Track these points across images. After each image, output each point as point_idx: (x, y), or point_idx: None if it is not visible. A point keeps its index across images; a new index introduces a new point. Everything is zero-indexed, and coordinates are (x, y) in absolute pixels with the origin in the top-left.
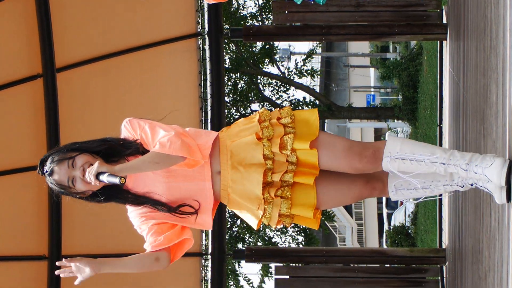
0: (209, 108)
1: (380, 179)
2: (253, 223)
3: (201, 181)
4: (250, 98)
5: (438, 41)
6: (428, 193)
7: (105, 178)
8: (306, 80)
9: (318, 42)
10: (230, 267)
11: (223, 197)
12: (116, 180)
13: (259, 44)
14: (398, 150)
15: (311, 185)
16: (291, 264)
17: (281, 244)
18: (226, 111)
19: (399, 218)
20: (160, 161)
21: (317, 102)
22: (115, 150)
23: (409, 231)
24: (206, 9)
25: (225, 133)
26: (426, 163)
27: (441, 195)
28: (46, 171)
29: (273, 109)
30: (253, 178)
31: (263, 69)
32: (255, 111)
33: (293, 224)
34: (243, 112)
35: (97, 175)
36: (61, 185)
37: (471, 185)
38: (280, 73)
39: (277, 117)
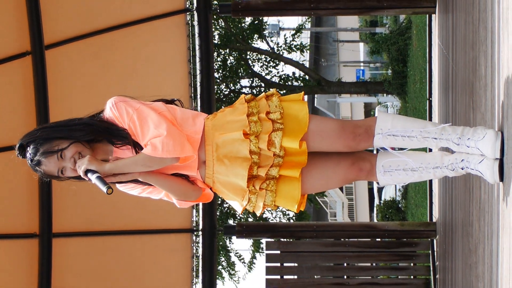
0: (198, 84)
1: (368, 160)
2: (238, 208)
3: (187, 171)
4: (240, 74)
5: (427, 15)
6: (417, 175)
7: (93, 178)
8: (295, 56)
9: (307, 17)
10: (221, 243)
11: (207, 184)
12: (103, 189)
13: (248, 20)
14: (390, 126)
15: (297, 177)
16: (282, 239)
17: (271, 220)
18: (215, 87)
19: (390, 192)
20: (153, 164)
21: (307, 77)
22: (103, 138)
23: (400, 205)
24: None
25: (210, 121)
26: (418, 138)
27: (431, 180)
28: (32, 161)
29: (262, 85)
30: (238, 172)
31: (252, 44)
32: (245, 86)
33: None
34: (233, 88)
35: (86, 171)
36: (49, 175)
37: (462, 169)
38: (269, 49)
39: (266, 111)
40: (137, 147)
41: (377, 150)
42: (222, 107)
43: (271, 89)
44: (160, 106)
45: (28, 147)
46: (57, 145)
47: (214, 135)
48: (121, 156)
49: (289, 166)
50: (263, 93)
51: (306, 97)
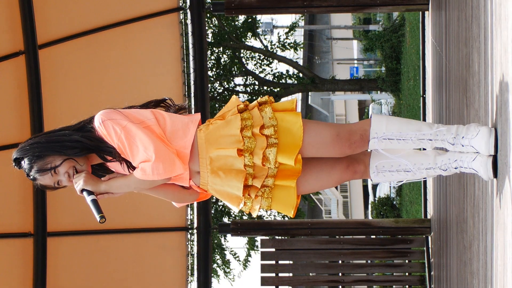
0: (192, 82)
1: (362, 161)
2: (234, 208)
3: (180, 183)
4: (234, 72)
5: (420, 12)
6: (410, 176)
7: (88, 200)
8: (289, 53)
9: (300, 15)
10: (216, 241)
11: (202, 189)
12: (96, 217)
13: (242, 18)
14: (384, 130)
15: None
16: (276, 237)
17: (266, 218)
18: (209, 85)
19: (384, 189)
20: (145, 186)
21: (301, 75)
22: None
23: (394, 202)
24: None
25: (203, 133)
26: (413, 140)
27: (424, 178)
28: (28, 175)
29: (256, 83)
30: (233, 184)
31: (246, 43)
32: (239, 85)
33: None
34: (227, 86)
35: (82, 190)
36: (46, 187)
37: (455, 168)
38: (263, 47)
39: (260, 125)
40: (127, 163)
41: None
42: (216, 105)
43: (265, 96)
44: (148, 117)
45: (23, 161)
46: (50, 162)
47: (207, 149)
48: (112, 167)
49: (284, 176)
50: (255, 100)
51: (299, 99)
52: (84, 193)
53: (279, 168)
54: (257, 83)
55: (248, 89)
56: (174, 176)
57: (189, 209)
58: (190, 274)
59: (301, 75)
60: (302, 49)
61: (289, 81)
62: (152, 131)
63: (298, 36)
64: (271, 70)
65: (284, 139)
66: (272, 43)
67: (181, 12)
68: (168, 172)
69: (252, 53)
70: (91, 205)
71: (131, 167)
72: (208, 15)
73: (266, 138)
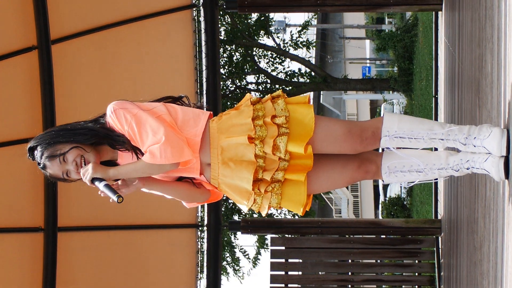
0: (204, 79)
1: (374, 161)
2: (243, 208)
3: (189, 174)
4: (246, 70)
5: (434, 12)
6: (422, 176)
7: (100, 186)
8: (301, 52)
9: (313, 14)
10: (226, 238)
11: (213, 185)
12: (113, 198)
13: (254, 16)
14: (396, 128)
15: (302, 181)
16: (287, 235)
17: (276, 216)
18: (221, 83)
19: (395, 189)
20: (153, 171)
21: (313, 74)
22: (105, 142)
23: (405, 203)
24: None
25: (215, 124)
26: (424, 140)
27: (436, 179)
28: (39, 164)
29: (268, 81)
30: (243, 175)
31: (259, 41)
32: (251, 83)
33: None
34: (239, 84)
35: (92, 179)
36: (56, 177)
37: (467, 169)
38: (275, 45)
39: (271, 115)
40: (138, 151)
41: (383, 149)
42: (228, 103)
43: (278, 90)
44: (160, 109)
45: (36, 150)
46: (60, 149)
47: (219, 138)
48: (125, 159)
49: (294, 170)
50: (269, 94)
51: (312, 97)
52: (96, 182)
53: (290, 163)
54: (269, 81)
55: (260, 87)
56: (183, 166)
57: (199, 206)
58: (199, 271)
59: (313, 74)
60: (314, 48)
61: (301, 79)
62: (163, 120)
63: (311, 34)
64: (283, 69)
65: (295, 129)
66: (285, 42)
67: (194, 9)
68: (176, 157)
69: (265, 51)
70: (105, 190)
71: (140, 155)
72: (221, 12)
73: (278, 127)
